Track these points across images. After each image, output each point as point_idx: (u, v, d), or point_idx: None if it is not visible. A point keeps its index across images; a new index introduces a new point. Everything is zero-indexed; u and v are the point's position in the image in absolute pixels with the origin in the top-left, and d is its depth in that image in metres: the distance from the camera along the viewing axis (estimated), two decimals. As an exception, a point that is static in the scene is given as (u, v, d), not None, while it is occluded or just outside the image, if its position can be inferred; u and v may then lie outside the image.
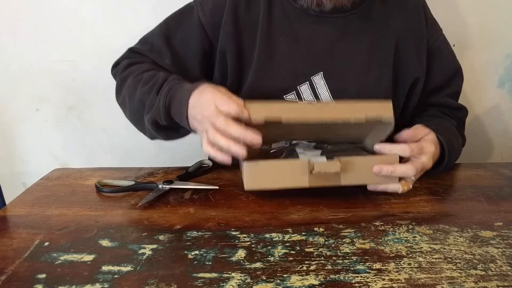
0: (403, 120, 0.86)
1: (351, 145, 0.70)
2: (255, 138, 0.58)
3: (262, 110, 0.59)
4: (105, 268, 0.51)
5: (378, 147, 0.64)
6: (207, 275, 0.49)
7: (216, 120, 0.59)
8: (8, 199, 0.71)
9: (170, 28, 0.82)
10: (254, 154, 0.65)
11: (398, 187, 0.64)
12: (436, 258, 0.53)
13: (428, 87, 0.85)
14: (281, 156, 0.68)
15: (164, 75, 0.72)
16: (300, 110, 0.61)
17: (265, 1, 0.79)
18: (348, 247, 0.55)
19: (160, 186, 0.70)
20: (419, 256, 0.53)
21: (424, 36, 0.82)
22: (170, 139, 0.77)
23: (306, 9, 0.77)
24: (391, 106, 0.61)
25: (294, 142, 0.71)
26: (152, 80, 0.72)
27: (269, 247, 0.55)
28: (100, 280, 0.49)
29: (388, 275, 0.49)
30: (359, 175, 0.63)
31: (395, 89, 0.82)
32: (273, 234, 0.57)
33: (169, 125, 0.70)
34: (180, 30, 0.81)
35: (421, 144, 0.66)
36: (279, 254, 0.53)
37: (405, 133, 0.67)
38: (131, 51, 0.83)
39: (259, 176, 0.62)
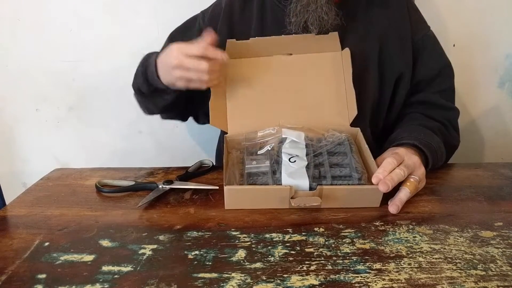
0: (390, 115, 0.88)
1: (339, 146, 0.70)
2: (218, 53, 0.66)
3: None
4: (105, 268, 0.51)
5: (383, 189, 0.62)
6: (207, 275, 0.49)
7: (178, 56, 0.67)
8: (8, 199, 0.71)
9: (176, 36, 0.90)
10: (238, 160, 0.69)
11: (405, 189, 0.64)
12: (436, 258, 0.53)
13: (412, 82, 0.85)
14: (266, 161, 0.67)
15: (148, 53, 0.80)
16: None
17: (258, 11, 0.84)
18: (348, 247, 0.55)
19: (160, 186, 0.70)
20: (419, 256, 0.53)
21: (408, 33, 0.83)
22: (152, 110, 0.85)
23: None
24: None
25: (282, 136, 0.70)
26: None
27: (269, 247, 0.55)
28: (100, 280, 0.49)
29: (388, 275, 0.49)
30: (341, 202, 0.64)
31: (381, 85, 0.84)
32: (273, 234, 0.58)
33: (150, 92, 0.77)
34: (184, 38, 0.88)
35: (395, 152, 0.67)
36: (279, 254, 0.53)
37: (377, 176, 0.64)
38: None
39: (239, 199, 0.63)
